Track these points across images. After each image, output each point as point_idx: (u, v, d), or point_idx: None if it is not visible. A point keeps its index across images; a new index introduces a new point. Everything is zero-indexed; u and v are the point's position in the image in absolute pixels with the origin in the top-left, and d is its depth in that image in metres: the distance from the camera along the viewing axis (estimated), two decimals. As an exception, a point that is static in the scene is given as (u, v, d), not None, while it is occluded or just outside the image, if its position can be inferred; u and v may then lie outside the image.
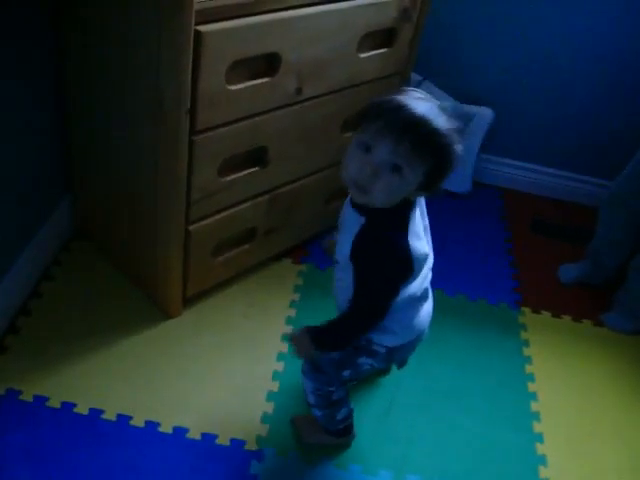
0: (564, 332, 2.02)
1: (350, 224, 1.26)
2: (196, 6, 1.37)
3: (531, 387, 1.83)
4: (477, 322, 1.99)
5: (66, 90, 1.77)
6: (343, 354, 1.42)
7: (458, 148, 1.16)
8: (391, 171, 1.15)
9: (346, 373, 1.44)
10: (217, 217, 1.74)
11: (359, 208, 1.25)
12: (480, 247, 2.28)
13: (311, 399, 1.50)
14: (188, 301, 1.86)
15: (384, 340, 1.38)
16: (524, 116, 2.44)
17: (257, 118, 1.65)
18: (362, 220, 1.24)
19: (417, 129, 1.12)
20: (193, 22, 1.38)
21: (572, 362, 1.93)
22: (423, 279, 1.37)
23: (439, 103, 1.19)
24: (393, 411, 1.70)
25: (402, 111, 1.13)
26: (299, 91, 1.70)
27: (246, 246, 1.89)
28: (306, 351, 1.38)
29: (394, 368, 1.78)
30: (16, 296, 1.75)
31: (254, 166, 1.75)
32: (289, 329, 1.85)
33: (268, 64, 1.60)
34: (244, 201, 1.79)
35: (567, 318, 2.07)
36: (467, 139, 2.38)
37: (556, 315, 2.07)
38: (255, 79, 1.59)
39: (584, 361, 1.94)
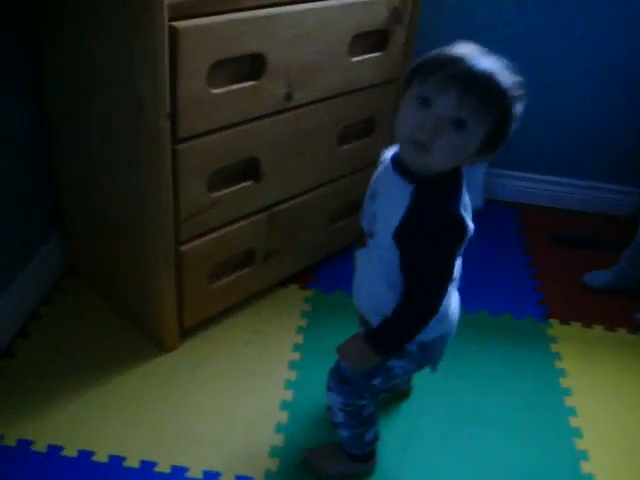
0: (598, 342, 1.85)
1: (393, 193, 1.11)
2: (169, 0, 1.29)
3: (568, 401, 1.65)
4: (502, 337, 1.83)
5: (47, 111, 1.69)
6: None
7: (520, 106, 1.05)
8: (455, 127, 1.02)
9: (377, 381, 1.27)
10: (210, 237, 1.61)
11: (407, 174, 1.10)
12: (499, 262, 2.13)
13: (339, 417, 1.34)
14: (186, 333, 1.72)
15: (419, 337, 1.20)
16: (532, 125, 2.33)
17: (245, 126, 1.55)
18: (410, 188, 1.09)
19: (486, 80, 1.01)
20: (166, 17, 1.29)
21: (610, 372, 1.75)
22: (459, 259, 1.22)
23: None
24: (417, 436, 1.53)
25: (467, 62, 1.02)
26: (289, 97, 1.60)
27: (246, 270, 1.76)
28: (366, 362, 1.20)
29: (416, 391, 1.62)
30: (1, 338, 1.62)
31: (247, 180, 1.64)
32: (296, 356, 1.70)
33: (253, 66, 1.51)
34: (239, 219, 1.67)
35: (599, 327, 1.90)
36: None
37: (587, 325, 1.90)
38: (240, 82, 1.50)
39: (623, 370, 1.76)
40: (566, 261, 2.16)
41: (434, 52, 1.07)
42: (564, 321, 1.91)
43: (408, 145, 1.06)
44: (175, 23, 1.32)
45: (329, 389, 1.34)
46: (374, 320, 1.21)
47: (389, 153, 1.20)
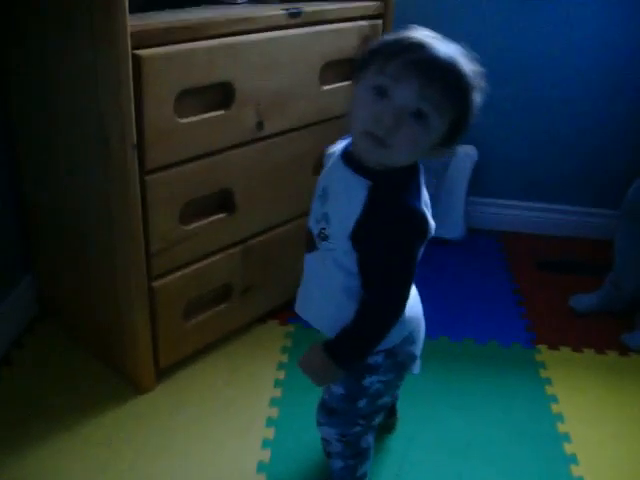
0: (588, 366, 1.80)
1: (348, 191, 1.04)
2: (133, 28, 1.28)
3: (562, 428, 1.59)
4: (490, 365, 1.77)
5: (16, 146, 1.66)
6: (346, 386, 1.19)
7: (479, 96, 1.00)
8: (415, 118, 0.96)
9: (362, 403, 1.21)
10: (184, 272, 1.57)
11: (361, 170, 1.03)
12: (484, 290, 2.09)
13: (337, 447, 1.27)
14: (162, 373, 1.65)
15: (381, 345, 1.13)
16: (510, 152, 2.33)
17: (217, 156, 1.52)
18: (367, 184, 1.02)
19: (448, 69, 0.95)
20: (129, 45, 1.27)
21: (603, 396, 1.70)
22: None
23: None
24: (407, 468, 1.46)
25: (427, 49, 0.96)
26: (260, 126, 1.58)
27: (223, 306, 1.71)
28: (328, 375, 1.12)
29: (401, 424, 1.55)
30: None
31: (221, 212, 1.60)
32: (278, 392, 1.63)
33: (222, 95, 1.49)
34: (214, 253, 1.62)
35: (589, 351, 1.85)
36: (452, 181, 2.26)
37: (577, 349, 1.85)
38: (209, 112, 1.47)
39: (615, 393, 1.71)
40: (551, 286, 2.13)
41: (389, 37, 1.01)
42: (552, 346, 1.86)
43: (364, 140, 0.99)
44: (139, 51, 1.30)
45: (319, 424, 1.28)
46: (326, 330, 1.14)
47: (336, 147, 1.14)
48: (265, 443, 1.50)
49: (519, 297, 2.07)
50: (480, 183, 2.34)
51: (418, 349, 1.22)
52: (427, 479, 1.44)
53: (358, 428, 1.25)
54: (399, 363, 1.20)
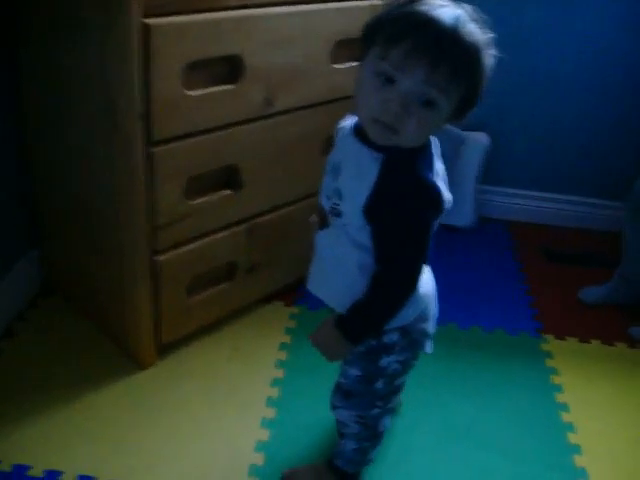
0: (595, 357, 1.77)
1: (360, 165, 1.03)
2: (144, -4, 1.26)
3: (566, 417, 1.56)
4: (496, 353, 1.75)
5: (24, 120, 1.65)
6: (363, 367, 1.18)
7: (491, 63, 0.97)
8: (424, 104, 0.94)
9: (379, 385, 1.19)
10: (189, 247, 1.55)
11: (374, 144, 1.01)
12: (492, 278, 2.07)
13: (353, 429, 1.26)
14: (164, 349, 1.64)
15: (392, 325, 1.11)
16: (522, 140, 2.30)
17: (224, 131, 1.50)
18: (379, 157, 1.01)
19: (455, 48, 0.91)
20: (140, 14, 1.26)
21: (607, 387, 1.68)
22: None
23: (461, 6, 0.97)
24: (409, 453, 1.44)
25: (432, 27, 0.91)
26: (269, 102, 1.56)
27: (227, 285, 1.69)
28: (341, 350, 1.12)
29: (406, 409, 1.54)
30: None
31: (226, 189, 1.58)
32: (280, 373, 1.62)
33: (231, 69, 1.47)
34: (218, 230, 1.60)
35: (596, 342, 1.82)
36: (462, 168, 2.23)
37: (584, 340, 1.83)
38: (218, 85, 1.45)
39: (620, 385, 1.69)
40: (560, 277, 2.10)
41: (392, 8, 0.97)
42: (559, 336, 1.83)
43: (373, 126, 0.98)
44: (148, 20, 1.28)
45: (334, 407, 1.27)
46: (339, 307, 1.12)
47: (346, 122, 1.12)
48: (264, 422, 1.48)
49: (527, 287, 2.04)
50: (491, 172, 2.31)
51: (431, 327, 1.21)
52: (430, 463, 1.43)
53: (376, 410, 1.24)
54: (414, 341, 1.19)
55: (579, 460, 1.46)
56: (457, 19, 0.93)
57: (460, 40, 0.92)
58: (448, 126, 2.18)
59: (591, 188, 2.34)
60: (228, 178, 1.58)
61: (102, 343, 1.66)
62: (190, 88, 1.39)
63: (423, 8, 0.94)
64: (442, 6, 0.95)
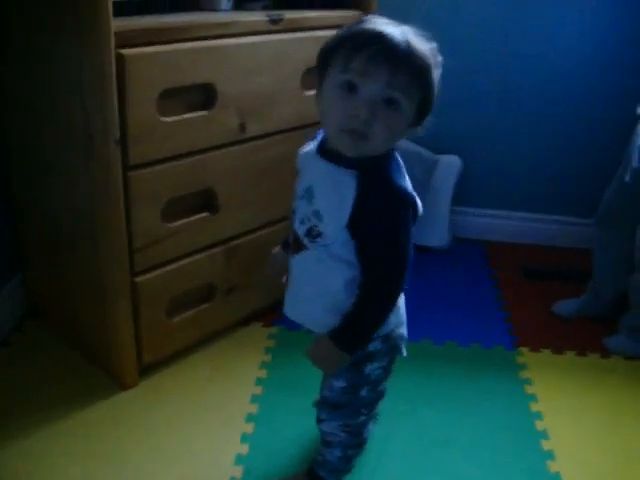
0: (569, 367, 1.81)
1: (335, 184, 1.07)
2: (117, 28, 1.33)
3: (539, 425, 1.60)
4: (471, 366, 1.79)
5: (5, 146, 1.70)
6: (347, 377, 1.22)
7: (438, 71, 1.06)
8: (388, 106, 1.01)
9: (364, 392, 1.24)
10: (167, 269, 1.60)
11: (343, 161, 1.07)
12: (467, 296, 2.11)
13: (339, 437, 1.29)
14: (145, 370, 1.67)
15: (380, 331, 1.17)
16: (494, 162, 2.37)
17: (200, 156, 1.57)
18: (354, 173, 1.06)
19: (411, 53, 1.00)
20: (113, 44, 1.32)
21: (582, 396, 1.71)
22: None
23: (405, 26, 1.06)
24: (384, 462, 1.47)
25: (386, 39, 1.00)
26: (242, 127, 1.62)
27: (206, 306, 1.74)
28: (335, 361, 1.15)
29: (380, 419, 1.56)
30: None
31: (204, 211, 1.64)
32: (259, 390, 1.65)
33: (204, 96, 1.54)
34: (196, 252, 1.65)
35: (570, 353, 1.87)
36: (436, 190, 2.30)
37: (558, 352, 1.87)
38: (192, 112, 1.52)
39: (595, 394, 1.72)
40: (535, 293, 2.15)
41: (344, 32, 1.05)
42: (534, 349, 1.87)
43: (344, 136, 1.03)
44: (122, 50, 1.35)
45: (320, 421, 1.30)
46: (320, 328, 1.17)
47: (308, 147, 1.19)
48: (244, 437, 1.51)
49: (502, 302, 2.09)
50: (464, 193, 2.38)
51: (405, 330, 1.26)
52: (405, 472, 1.46)
53: (362, 417, 1.28)
54: (393, 346, 1.23)
55: (553, 465, 1.49)
56: (404, 32, 1.02)
57: (413, 48, 1.00)
58: (421, 150, 2.27)
59: (563, 206, 2.41)
60: (205, 201, 1.64)
61: (85, 365, 1.69)
62: (165, 114, 1.46)
63: (373, 25, 1.03)
64: (388, 24, 1.04)
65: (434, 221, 2.30)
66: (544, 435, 1.57)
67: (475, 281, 2.21)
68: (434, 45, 1.05)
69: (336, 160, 1.08)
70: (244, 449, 1.48)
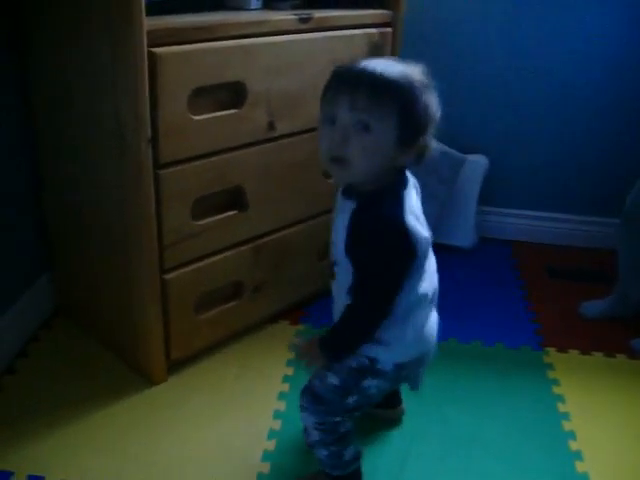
0: (597, 368, 1.80)
1: (341, 215, 1.18)
2: (149, 27, 1.34)
3: (567, 426, 1.59)
4: (497, 365, 1.79)
5: (37, 145, 1.73)
6: (345, 379, 1.25)
7: (425, 93, 1.09)
8: (358, 130, 1.07)
9: (351, 400, 1.26)
10: (196, 266, 1.61)
11: (349, 194, 1.17)
12: (493, 296, 2.11)
13: (314, 436, 1.30)
14: (174, 366, 1.69)
15: (389, 354, 1.22)
16: (520, 161, 2.36)
17: (229, 154, 1.58)
18: (352, 205, 1.15)
19: (369, 77, 1.06)
20: (145, 43, 1.34)
21: (610, 397, 1.70)
22: (432, 276, 1.24)
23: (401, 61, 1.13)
24: (411, 461, 1.47)
25: (352, 68, 1.10)
26: (272, 126, 1.63)
27: (234, 303, 1.75)
28: (316, 360, 1.25)
29: (406, 419, 1.57)
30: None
31: (232, 209, 1.65)
32: (286, 387, 1.66)
33: (234, 95, 1.55)
34: (224, 250, 1.67)
35: (598, 355, 1.85)
36: (463, 189, 2.29)
37: (585, 352, 1.86)
38: (222, 110, 1.53)
39: (621, 394, 1.71)
40: (561, 293, 2.14)
41: (338, 70, 1.13)
42: (561, 349, 1.86)
43: (330, 165, 1.12)
44: (155, 49, 1.36)
45: (302, 408, 1.31)
46: None
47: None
48: (271, 434, 1.52)
49: (529, 303, 2.08)
50: (491, 193, 2.37)
51: (423, 373, 1.33)
52: (431, 472, 1.46)
53: (337, 418, 1.28)
54: (402, 377, 1.29)
55: (580, 466, 1.48)
56: (380, 61, 1.10)
57: (374, 72, 1.07)
58: (449, 150, 2.27)
59: (589, 206, 2.39)
60: (234, 199, 1.65)
61: (114, 361, 1.72)
62: (196, 113, 1.47)
63: (363, 62, 1.11)
64: (384, 63, 1.11)
65: (460, 221, 2.30)
66: (572, 435, 1.56)
67: (501, 281, 2.20)
68: (419, 70, 1.10)
69: (346, 194, 1.18)
70: (271, 445, 1.49)
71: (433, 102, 1.11)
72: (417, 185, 1.23)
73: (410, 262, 1.13)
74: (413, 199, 1.18)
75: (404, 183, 1.17)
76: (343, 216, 1.17)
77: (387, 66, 1.08)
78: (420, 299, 1.21)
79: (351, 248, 1.14)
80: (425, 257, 1.19)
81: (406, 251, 1.12)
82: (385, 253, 1.12)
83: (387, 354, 1.22)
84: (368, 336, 1.20)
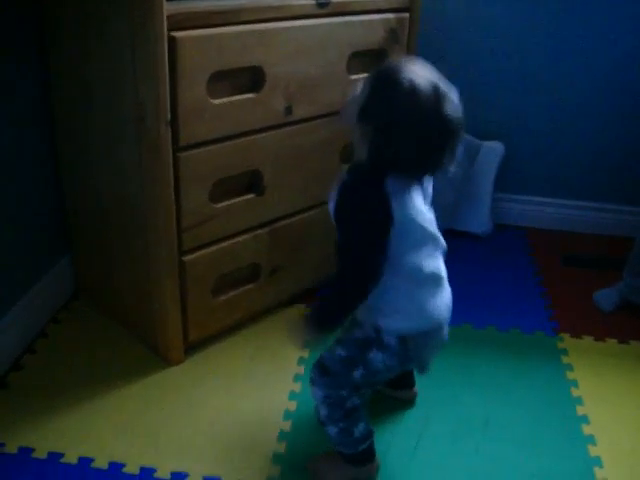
0: (610, 354, 1.81)
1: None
2: (169, 11, 1.36)
3: (580, 410, 1.60)
4: (511, 350, 1.80)
5: (55, 129, 1.75)
6: (351, 350, 1.28)
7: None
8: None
9: (357, 373, 1.28)
10: (213, 248, 1.63)
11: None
12: (507, 282, 2.12)
13: (323, 412, 1.32)
14: (191, 348, 1.71)
15: (392, 324, 1.24)
16: (536, 148, 2.35)
17: (247, 138, 1.59)
18: (345, 177, 1.22)
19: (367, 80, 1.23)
20: (165, 27, 1.35)
21: (623, 382, 1.71)
22: (430, 258, 1.24)
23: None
24: (425, 443, 1.49)
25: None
26: (289, 110, 1.65)
27: (251, 286, 1.77)
28: (305, 335, 1.27)
29: (420, 401, 1.59)
30: (7, 353, 1.64)
31: (249, 193, 1.67)
32: (301, 369, 1.68)
33: (252, 79, 1.56)
34: (242, 233, 1.69)
35: (612, 341, 1.86)
36: (478, 176, 2.29)
37: (599, 339, 1.87)
38: (240, 94, 1.54)
39: (636, 380, 1.72)
40: (576, 280, 2.14)
41: None
42: (575, 335, 1.87)
43: None
44: (175, 33, 1.38)
45: (311, 382, 1.34)
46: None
47: None
48: (287, 414, 1.55)
49: (543, 289, 2.09)
50: (506, 179, 2.37)
51: (431, 357, 1.34)
52: (444, 453, 1.47)
53: (343, 393, 1.30)
54: (408, 355, 1.29)
55: (593, 450, 1.49)
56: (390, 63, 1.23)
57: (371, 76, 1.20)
58: (465, 136, 2.28)
59: (606, 194, 2.38)
60: (251, 182, 1.67)
61: (132, 342, 1.75)
62: (214, 97, 1.49)
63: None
64: (420, 70, 1.17)
65: (476, 207, 2.31)
66: (585, 420, 1.57)
67: (516, 267, 2.21)
68: (433, 91, 1.13)
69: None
70: (287, 426, 1.51)
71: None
72: (429, 186, 1.33)
73: (385, 232, 1.16)
74: (412, 193, 1.22)
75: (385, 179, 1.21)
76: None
77: (403, 74, 1.15)
78: (411, 274, 1.22)
79: (335, 216, 1.20)
80: (423, 240, 1.22)
81: (378, 221, 1.16)
82: (358, 223, 1.17)
83: (389, 321, 1.25)
84: (350, 303, 1.22)
